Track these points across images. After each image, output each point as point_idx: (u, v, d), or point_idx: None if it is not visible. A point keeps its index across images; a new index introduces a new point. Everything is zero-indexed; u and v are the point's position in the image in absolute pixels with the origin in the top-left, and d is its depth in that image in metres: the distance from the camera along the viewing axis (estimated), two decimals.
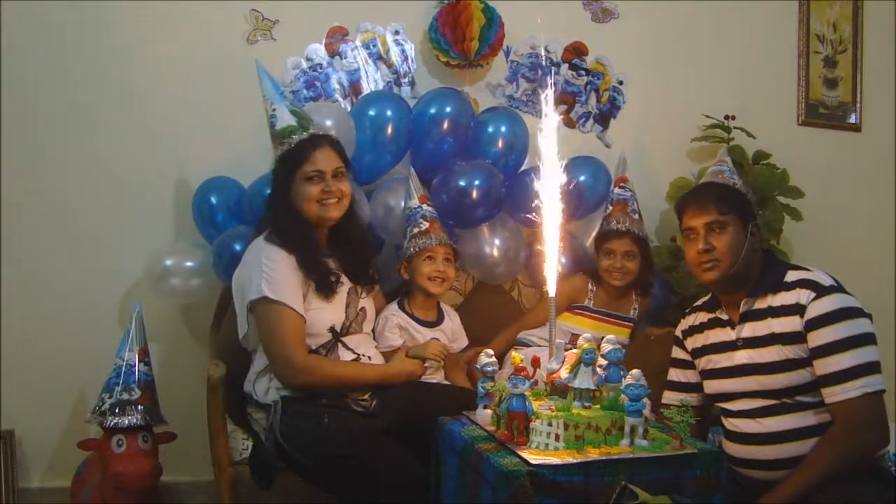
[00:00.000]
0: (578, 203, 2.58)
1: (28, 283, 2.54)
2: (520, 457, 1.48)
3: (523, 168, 2.62)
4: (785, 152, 2.91)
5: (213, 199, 2.46)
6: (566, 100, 2.92)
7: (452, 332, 2.40)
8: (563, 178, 1.74)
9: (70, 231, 2.57)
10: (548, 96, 1.75)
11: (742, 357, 1.89)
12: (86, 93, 2.57)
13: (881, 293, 3.10)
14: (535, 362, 1.74)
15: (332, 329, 2.09)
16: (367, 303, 2.22)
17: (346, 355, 2.10)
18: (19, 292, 2.53)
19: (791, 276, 1.87)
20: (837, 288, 1.82)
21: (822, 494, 1.70)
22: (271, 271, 2.00)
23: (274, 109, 2.15)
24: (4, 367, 2.50)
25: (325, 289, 2.06)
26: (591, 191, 2.66)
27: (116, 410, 2.12)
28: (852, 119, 3.28)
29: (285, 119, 2.13)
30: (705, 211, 1.91)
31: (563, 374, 1.65)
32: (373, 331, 2.25)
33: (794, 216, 2.83)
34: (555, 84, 2.87)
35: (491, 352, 1.84)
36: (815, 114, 3.20)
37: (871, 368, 1.73)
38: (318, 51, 2.74)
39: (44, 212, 2.56)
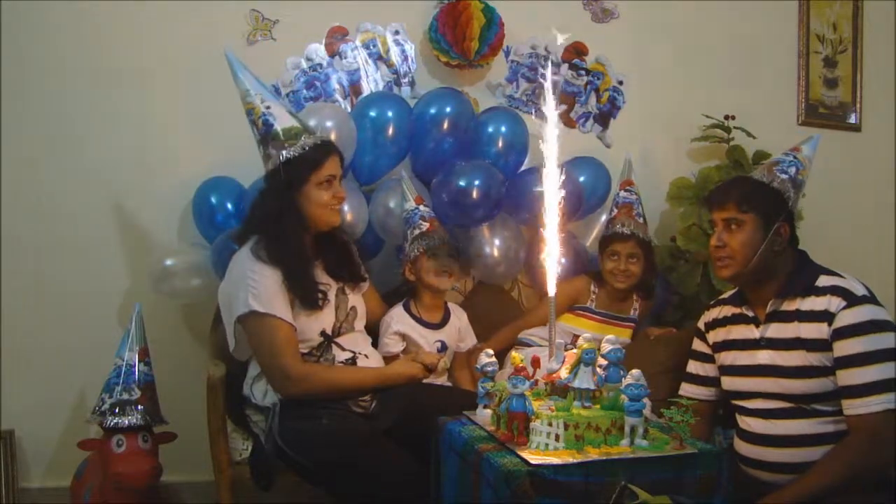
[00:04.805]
0: (578, 204, 2.57)
1: (28, 283, 2.54)
2: (520, 457, 1.48)
3: (523, 168, 2.61)
4: None
5: (213, 199, 2.46)
6: (566, 100, 2.92)
7: (459, 330, 2.39)
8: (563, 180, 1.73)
9: (70, 231, 2.57)
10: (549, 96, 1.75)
11: (764, 357, 1.87)
12: (85, 93, 2.57)
13: (881, 294, 3.08)
14: (535, 362, 1.74)
15: (323, 333, 2.08)
16: (356, 300, 2.20)
17: (341, 355, 2.10)
18: (19, 292, 2.53)
19: (823, 280, 1.84)
20: (869, 298, 1.79)
21: (824, 501, 1.69)
22: (257, 284, 1.98)
23: (268, 108, 2.06)
24: (4, 367, 2.50)
25: (310, 305, 2.04)
26: (591, 191, 2.66)
27: (116, 410, 2.11)
28: (852, 119, 3.28)
29: (286, 119, 2.08)
30: (724, 206, 1.90)
31: (563, 374, 1.65)
32: (366, 328, 2.24)
33: None
34: (555, 84, 2.87)
35: (491, 352, 1.83)
36: (815, 114, 3.20)
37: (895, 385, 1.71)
38: (318, 51, 2.73)
39: (44, 211, 2.56)
